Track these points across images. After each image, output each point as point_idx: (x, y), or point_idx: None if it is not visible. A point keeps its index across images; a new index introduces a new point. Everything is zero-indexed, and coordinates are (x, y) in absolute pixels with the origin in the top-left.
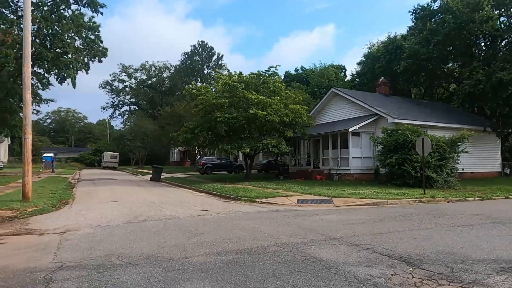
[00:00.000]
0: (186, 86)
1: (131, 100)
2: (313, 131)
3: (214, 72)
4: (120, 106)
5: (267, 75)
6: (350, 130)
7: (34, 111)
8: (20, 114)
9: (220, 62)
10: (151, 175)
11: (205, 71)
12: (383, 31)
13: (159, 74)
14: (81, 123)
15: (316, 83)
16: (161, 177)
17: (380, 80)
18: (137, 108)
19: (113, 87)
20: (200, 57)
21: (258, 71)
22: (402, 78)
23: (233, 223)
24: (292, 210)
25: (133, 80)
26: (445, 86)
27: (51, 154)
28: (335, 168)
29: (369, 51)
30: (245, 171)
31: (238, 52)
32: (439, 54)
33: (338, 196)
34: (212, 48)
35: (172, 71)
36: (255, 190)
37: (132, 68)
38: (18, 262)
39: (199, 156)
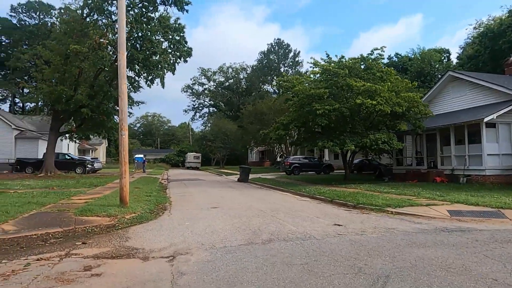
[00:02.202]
0: (277, 78)
1: (210, 102)
2: (428, 124)
3: (293, 67)
4: (200, 108)
5: (371, 59)
6: (485, 120)
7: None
8: (116, 117)
9: (296, 59)
10: (238, 176)
11: (282, 69)
12: (488, 11)
13: (236, 75)
14: (165, 126)
15: (416, 70)
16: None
17: (511, 58)
18: (215, 110)
19: (193, 90)
20: (277, 55)
21: (361, 54)
22: None
23: (412, 254)
24: (472, 230)
25: (212, 83)
26: None
27: (141, 155)
28: (461, 168)
29: (478, 31)
30: (335, 171)
31: (315, 51)
32: None
33: (505, 206)
34: (288, 45)
35: (248, 72)
36: (374, 195)
37: (211, 71)
38: None
39: (279, 155)
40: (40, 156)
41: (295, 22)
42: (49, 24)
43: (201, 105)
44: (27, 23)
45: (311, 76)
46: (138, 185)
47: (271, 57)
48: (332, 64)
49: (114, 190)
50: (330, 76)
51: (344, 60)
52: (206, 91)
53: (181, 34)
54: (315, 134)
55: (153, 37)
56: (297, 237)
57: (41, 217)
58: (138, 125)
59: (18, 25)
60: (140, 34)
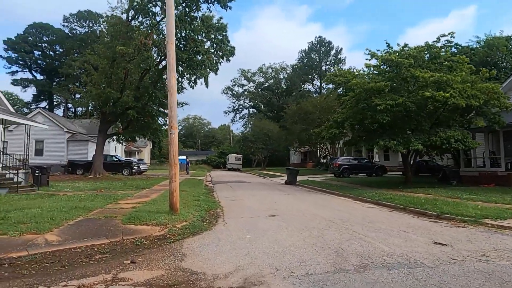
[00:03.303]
0: (328, 73)
1: (250, 103)
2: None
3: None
4: (240, 110)
5: (437, 47)
6: None
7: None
8: (160, 118)
9: (339, 57)
10: (285, 178)
11: (323, 68)
12: None
13: (275, 75)
14: (206, 128)
15: (481, 59)
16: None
17: None
18: (255, 111)
19: (233, 92)
20: (318, 54)
21: (426, 42)
22: None
23: None
24: None
25: (251, 84)
26: None
27: (184, 157)
28: None
29: None
30: (388, 173)
31: (358, 49)
32: None
33: None
34: (330, 42)
35: (288, 71)
36: (457, 202)
37: (251, 72)
38: None
39: (323, 156)
40: (90, 158)
41: (338, 21)
42: (97, 32)
43: (241, 106)
44: (78, 32)
45: (365, 69)
46: (184, 188)
47: (312, 55)
48: (393, 55)
49: (161, 193)
50: (391, 67)
51: (406, 49)
52: (246, 92)
53: (224, 33)
54: (374, 132)
55: (197, 36)
56: (399, 263)
57: (87, 225)
58: (180, 127)
59: (70, 34)
60: (183, 34)
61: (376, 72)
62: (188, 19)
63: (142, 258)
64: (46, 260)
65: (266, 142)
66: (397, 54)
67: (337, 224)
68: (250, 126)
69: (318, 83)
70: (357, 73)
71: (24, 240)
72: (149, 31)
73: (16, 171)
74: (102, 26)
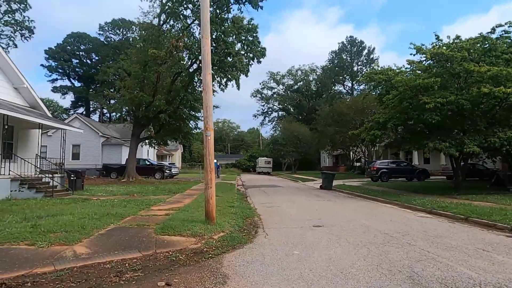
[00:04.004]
0: (366, 71)
1: (279, 106)
2: None
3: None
4: (270, 113)
5: (493, 38)
6: None
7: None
8: (191, 122)
9: (371, 57)
10: (319, 182)
11: (355, 68)
12: None
13: (305, 77)
14: (235, 132)
15: None
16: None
17: None
18: (285, 114)
19: (262, 94)
20: (349, 54)
21: (481, 33)
22: None
23: None
24: None
25: (281, 86)
26: None
27: (215, 160)
28: None
29: None
30: (431, 178)
31: (391, 49)
32: None
33: None
34: (362, 42)
35: (318, 73)
36: None
37: (280, 75)
38: None
39: (357, 159)
40: (123, 162)
41: (370, 21)
42: (130, 39)
43: (270, 109)
44: (112, 39)
45: (407, 66)
46: (217, 193)
47: (343, 56)
48: (441, 48)
49: (194, 199)
50: (439, 62)
51: (458, 41)
52: (275, 95)
53: (254, 34)
54: (420, 133)
55: (227, 38)
56: None
57: (118, 235)
58: None
59: (105, 42)
60: (214, 36)
61: (419, 70)
62: (219, 21)
63: (178, 279)
64: (72, 278)
65: (296, 145)
66: (444, 47)
67: (397, 239)
68: (279, 129)
69: (350, 84)
70: (398, 70)
71: (52, 252)
72: (181, 34)
73: (52, 175)
74: (135, 33)
